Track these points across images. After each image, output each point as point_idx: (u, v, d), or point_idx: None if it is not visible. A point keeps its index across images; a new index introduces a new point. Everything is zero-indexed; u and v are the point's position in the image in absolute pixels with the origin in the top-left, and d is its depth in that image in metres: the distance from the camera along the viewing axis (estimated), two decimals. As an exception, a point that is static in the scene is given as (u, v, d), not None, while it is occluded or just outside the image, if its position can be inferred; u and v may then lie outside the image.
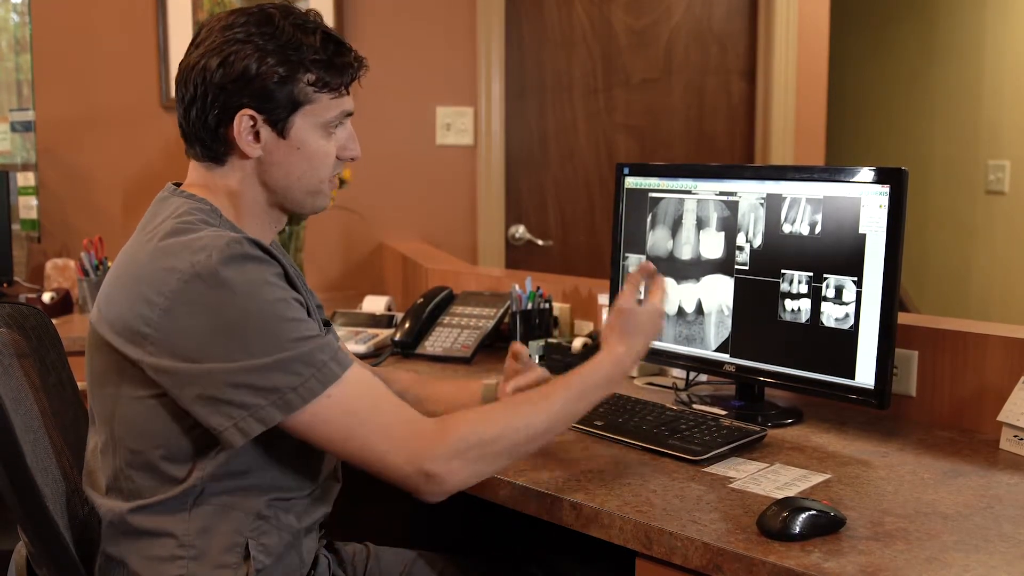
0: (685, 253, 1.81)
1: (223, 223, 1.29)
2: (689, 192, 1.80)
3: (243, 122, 1.27)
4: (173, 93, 1.35)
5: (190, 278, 1.16)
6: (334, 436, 1.19)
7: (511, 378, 1.55)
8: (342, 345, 1.44)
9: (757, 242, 1.69)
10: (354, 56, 1.33)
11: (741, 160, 3.82)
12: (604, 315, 2.11)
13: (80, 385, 1.47)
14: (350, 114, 1.34)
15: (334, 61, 1.29)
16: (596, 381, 1.36)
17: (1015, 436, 1.53)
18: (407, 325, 2.25)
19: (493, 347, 2.24)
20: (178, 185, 1.35)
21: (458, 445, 1.21)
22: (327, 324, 1.52)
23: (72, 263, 2.89)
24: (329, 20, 3.13)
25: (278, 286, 1.20)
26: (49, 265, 2.93)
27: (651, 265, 1.50)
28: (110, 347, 1.22)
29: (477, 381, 1.61)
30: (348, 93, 1.33)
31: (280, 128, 1.28)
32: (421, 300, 2.32)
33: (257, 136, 1.28)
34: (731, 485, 1.38)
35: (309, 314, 1.27)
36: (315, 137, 1.31)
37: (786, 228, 1.65)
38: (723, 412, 1.70)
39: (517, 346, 1.56)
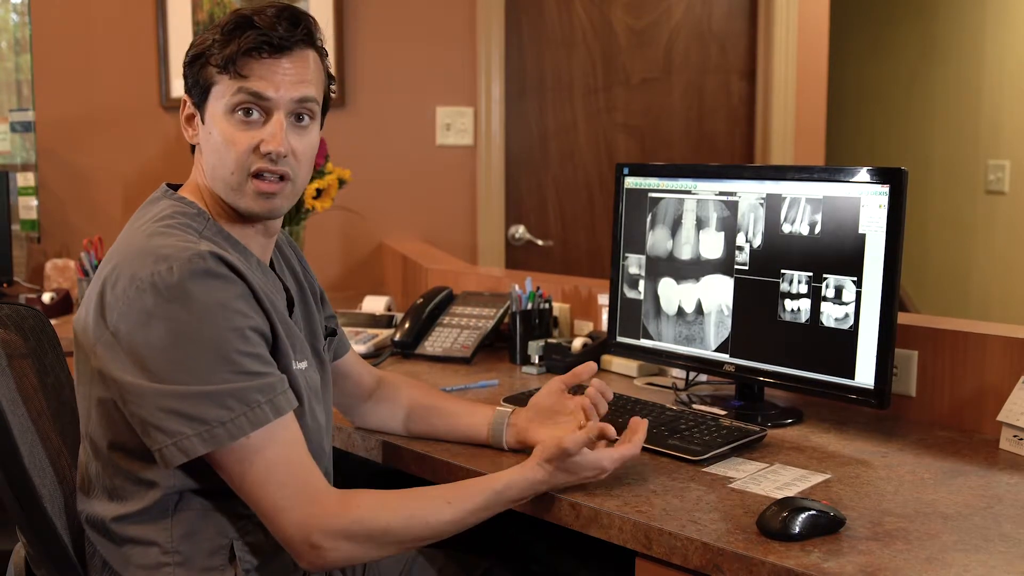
0: (685, 253, 1.81)
1: (208, 227, 1.28)
2: (689, 192, 1.80)
3: (184, 107, 1.32)
4: (176, 93, 1.37)
5: (147, 288, 1.15)
6: (245, 478, 1.17)
7: (540, 412, 1.51)
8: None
9: (757, 242, 1.69)
10: (255, 36, 1.24)
11: (741, 160, 3.82)
12: (604, 315, 2.11)
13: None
14: (258, 96, 1.25)
15: (229, 41, 1.25)
16: (508, 497, 1.28)
17: (1015, 436, 1.53)
18: (407, 325, 2.25)
19: (493, 347, 2.24)
20: (171, 187, 1.34)
21: (352, 527, 1.18)
22: (333, 334, 1.50)
23: (72, 263, 2.89)
24: (329, 19, 3.13)
25: (237, 311, 1.17)
26: (49, 265, 2.93)
27: (643, 426, 1.37)
28: (82, 347, 1.23)
29: (490, 407, 1.57)
30: (244, 76, 1.24)
31: (202, 113, 1.29)
32: (421, 300, 2.31)
33: (193, 122, 1.32)
34: (731, 485, 1.38)
35: (276, 337, 1.24)
36: (221, 121, 1.26)
37: (786, 228, 1.65)
38: (723, 412, 1.70)
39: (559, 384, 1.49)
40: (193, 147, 1.35)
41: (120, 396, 1.17)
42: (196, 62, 1.28)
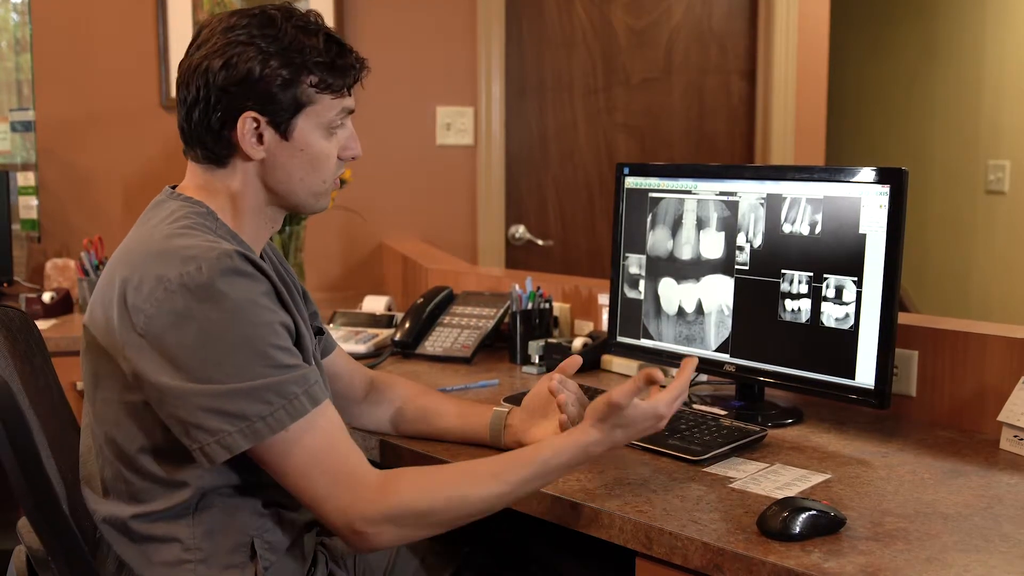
0: (685, 253, 1.81)
1: (219, 226, 1.28)
2: (689, 192, 1.80)
3: (247, 124, 1.27)
4: (174, 94, 1.35)
5: (177, 288, 1.15)
6: (287, 469, 1.18)
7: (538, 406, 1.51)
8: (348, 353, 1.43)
9: (757, 242, 1.69)
10: (355, 57, 1.33)
11: (741, 160, 3.82)
12: (604, 315, 2.11)
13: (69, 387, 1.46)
14: (351, 112, 1.34)
15: (336, 63, 1.29)
16: (558, 464, 1.26)
17: (1015, 436, 1.53)
18: (407, 325, 2.25)
19: (493, 347, 2.24)
20: (175, 188, 1.34)
21: (394, 511, 1.19)
22: (320, 332, 1.51)
23: (72, 263, 2.89)
24: (329, 19, 3.13)
25: (266, 308, 1.19)
26: (49, 265, 2.93)
27: (691, 362, 1.33)
28: (101, 349, 1.22)
29: (487, 407, 1.57)
30: (350, 94, 1.33)
31: (283, 130, 1.28)
32: (421, 300, 2.32)
33: (260, 138, 1.28)
34: (731, 485, 1.38)
35: (298, 332, 1.25)
36: (317, 138, 1.31)
37: (786, 228, 1.65)
38: (723, 412, 1.70)
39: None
40: (222, 156, 1.30)
41: (156, 398, 1.17)
42: (292, 84, 1.26)
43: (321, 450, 1.18)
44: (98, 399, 1.26)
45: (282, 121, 1.28)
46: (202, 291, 1.15)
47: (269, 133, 1.28)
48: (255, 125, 1.27)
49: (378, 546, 1.20)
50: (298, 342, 1.25)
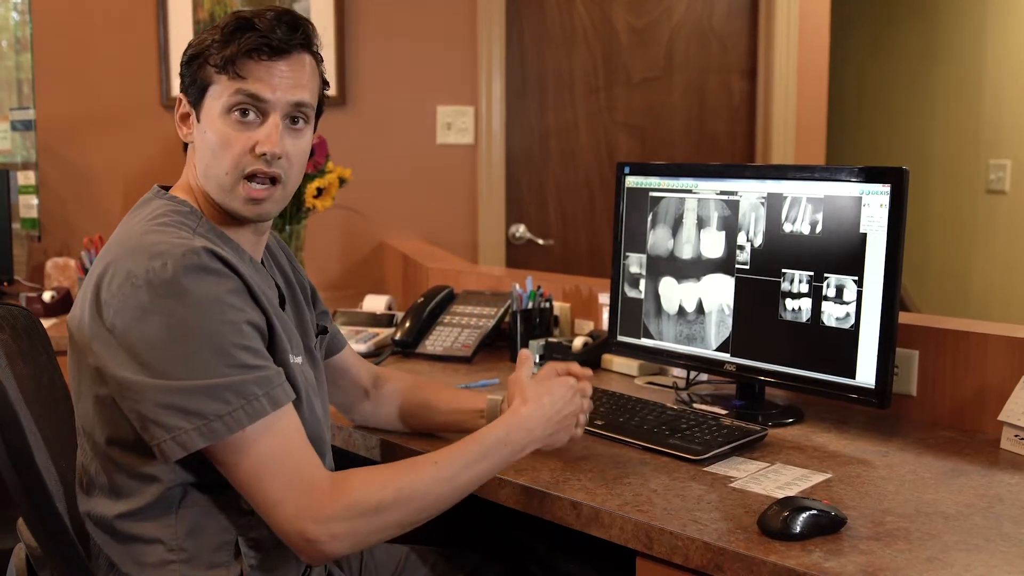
0: (686, 252, 1.81)
1: (201, 224, 1.28)
2: (690, 191, 1.80)
3: (180, 106, 1.32)
4: (177, 92, 1.35)
5: (142, 284, 1.15)
6: (241, 471, 1.16)
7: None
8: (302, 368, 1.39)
9: (758, 241, 1.69)
10: (259, 38, 1.25)
11: (742, 159, 3.82)
12: (605, 314, 2.11)
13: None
14: (255, 98, 1.25)
15: (229, 41, 1.25)
16: (495, 439, 1.28)
17: (1016, 436, 1.53)
18: (408, 324, 2.25)
19: (494, 346, 2.24)
20: (163, 188, 1.35)
21: (346, 510, 1.17)
22: (323, 332, 1.50)
23: (72, 262, 2.88)
24: (330, 19, 3.13)
25: (232, 306, 1.17)
26: (49, 264, 2.92)
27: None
28: (78, 345, 1.23)
29: (482, 395, 1.57)
30: (242, 77, 1.25)
31: (198, 111, 1.30)
32: (421, 299, 2.31)
33: (187, 120, 1.32)
34: (732, 485, 1.38)
35: (272, 332, 1.24)
36: (217, 121, 1.27)
37: (787, 227, 1.65)
38: (724, 411, 1.70)
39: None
40: (186, 146, 1.34)
41: (118, 392, 1.17)
42: (194, 61, 1.28)
43: (277, 454, 1.17)
44: (78, 393, 1.26)
45: (196, 102, 1.29)
46: (165, 287, 1.15)
47: (193, 116, 1.31)
48: (183, 108, 1.32)
49: (330, 552, 1.17)
50: (272, 340, 1.24)
